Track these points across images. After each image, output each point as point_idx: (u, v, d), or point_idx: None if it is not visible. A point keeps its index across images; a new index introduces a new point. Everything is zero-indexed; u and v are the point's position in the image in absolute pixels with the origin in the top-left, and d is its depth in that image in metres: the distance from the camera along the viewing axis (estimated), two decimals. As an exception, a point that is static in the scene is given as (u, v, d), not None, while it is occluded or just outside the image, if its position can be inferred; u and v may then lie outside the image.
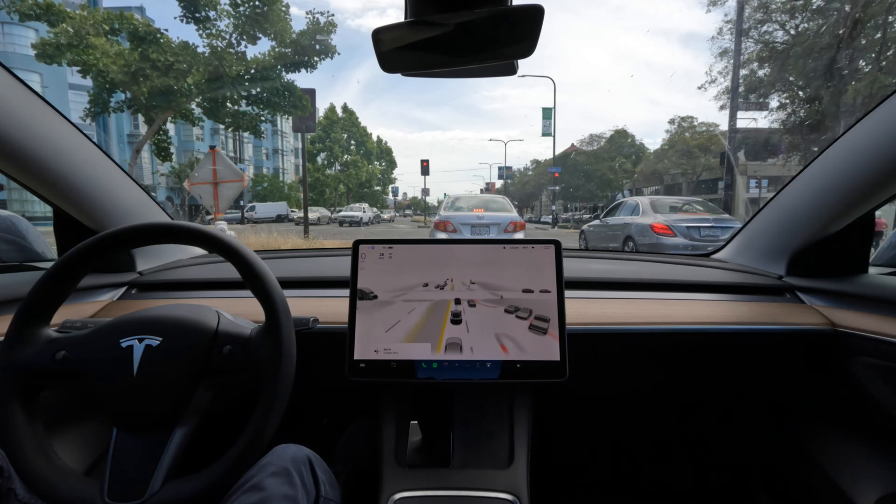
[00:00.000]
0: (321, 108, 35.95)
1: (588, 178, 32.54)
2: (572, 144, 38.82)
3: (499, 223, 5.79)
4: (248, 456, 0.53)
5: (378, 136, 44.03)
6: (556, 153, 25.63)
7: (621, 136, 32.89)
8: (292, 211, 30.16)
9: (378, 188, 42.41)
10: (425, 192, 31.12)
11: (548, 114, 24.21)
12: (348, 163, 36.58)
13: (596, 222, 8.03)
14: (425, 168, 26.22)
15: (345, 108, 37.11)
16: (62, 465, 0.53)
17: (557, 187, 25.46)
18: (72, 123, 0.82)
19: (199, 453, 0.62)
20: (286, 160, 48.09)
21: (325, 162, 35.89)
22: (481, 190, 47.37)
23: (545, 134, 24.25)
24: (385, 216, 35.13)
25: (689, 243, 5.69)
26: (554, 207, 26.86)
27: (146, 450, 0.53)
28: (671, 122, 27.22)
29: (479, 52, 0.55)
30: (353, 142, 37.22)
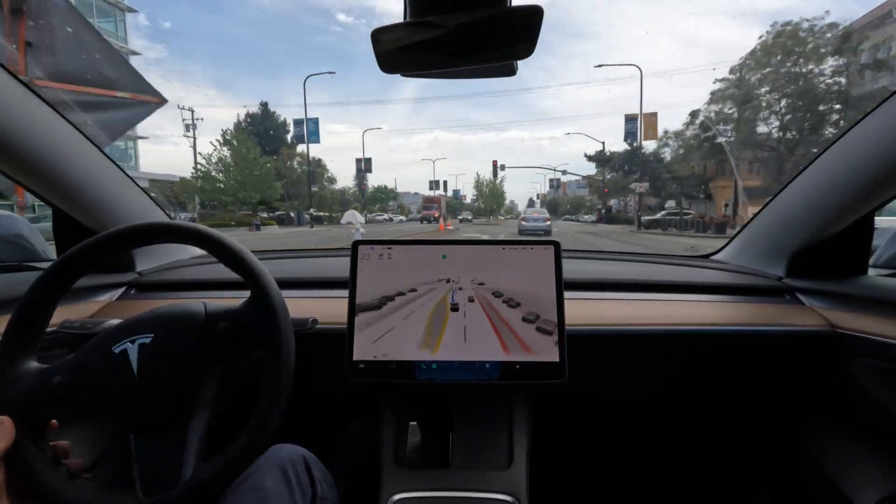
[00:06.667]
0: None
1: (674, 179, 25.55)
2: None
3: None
4: (247, 455, 0.53)
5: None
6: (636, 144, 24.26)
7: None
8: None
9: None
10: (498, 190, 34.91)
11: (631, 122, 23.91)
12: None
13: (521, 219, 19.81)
14: (496, 168, 31.20)
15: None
16: (81, 484, 0.52)
17: (646, 185, 23.37)
18: (71, 124, 0.82)
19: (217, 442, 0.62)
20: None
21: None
22: (538, 195, 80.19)
23: (628, 137, 24.47)
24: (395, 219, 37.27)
25: (530, 224, 18.09)
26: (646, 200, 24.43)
27: (168, 445, 0.54)
28: (767, 31, 16.87)
29: (478, 53, 0.55)
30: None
